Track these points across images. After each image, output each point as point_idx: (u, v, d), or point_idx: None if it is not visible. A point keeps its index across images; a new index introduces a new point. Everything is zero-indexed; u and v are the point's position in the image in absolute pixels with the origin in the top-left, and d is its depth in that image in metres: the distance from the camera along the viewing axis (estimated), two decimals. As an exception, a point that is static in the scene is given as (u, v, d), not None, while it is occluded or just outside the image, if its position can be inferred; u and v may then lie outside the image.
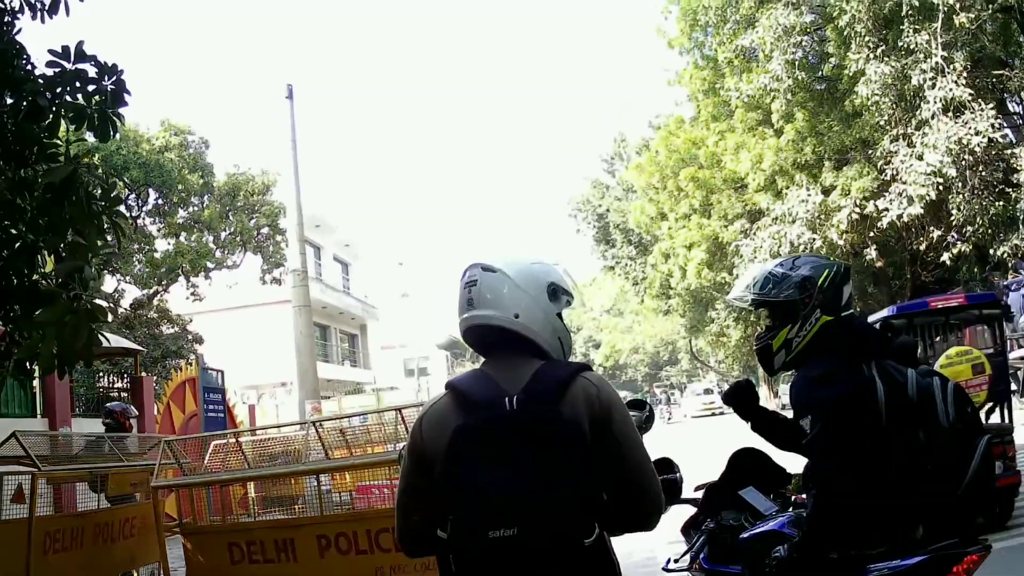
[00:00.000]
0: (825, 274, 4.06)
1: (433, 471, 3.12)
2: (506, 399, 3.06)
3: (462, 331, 3.40)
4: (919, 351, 3.51)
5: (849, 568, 3.71)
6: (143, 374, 23.29)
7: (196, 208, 33.32)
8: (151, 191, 31.58)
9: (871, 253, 29.83)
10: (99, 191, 6.51)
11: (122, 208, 9.23)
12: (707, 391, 63.59)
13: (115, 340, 20.27)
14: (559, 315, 3.44)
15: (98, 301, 6.47)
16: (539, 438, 2.96)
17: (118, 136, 27.86)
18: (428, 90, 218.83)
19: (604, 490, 3.16)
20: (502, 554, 2.92)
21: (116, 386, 23.24)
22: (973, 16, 23.58)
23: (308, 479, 9.95)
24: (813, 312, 4.06)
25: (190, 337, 33.46)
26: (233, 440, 11.19)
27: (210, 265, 33.19)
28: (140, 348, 23.53)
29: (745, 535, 4.49)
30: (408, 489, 3.36)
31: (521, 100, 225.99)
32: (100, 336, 5.97)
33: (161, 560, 10.69)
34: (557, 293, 3.42)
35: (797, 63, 27.96)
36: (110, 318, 28.31)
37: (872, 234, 28.80)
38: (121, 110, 6.47)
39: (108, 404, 15.50)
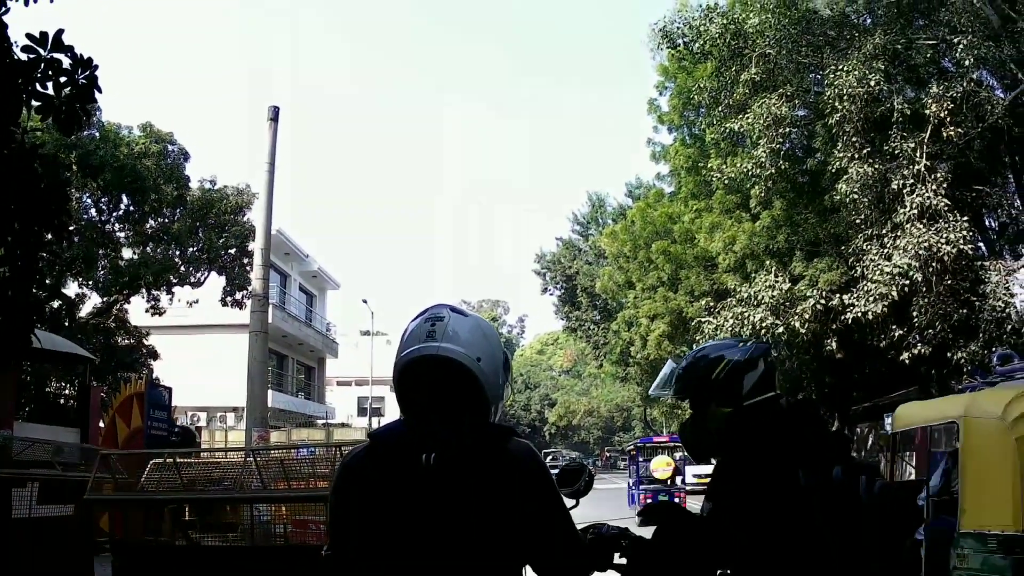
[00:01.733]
0: (722, 366, 3.96)
1: (350, 525, 3.12)
2: (423, 456, 2.99)
3: (410, 360, 3.18)
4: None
5: None
6: (93, 384, 22.84)
7: (167, 220, 33.02)
8: (124, 196, 31.32)
9: (832, 344, 30.02)
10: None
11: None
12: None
13: (67, 346, 20.04)
14: (506, 366, 3.39)
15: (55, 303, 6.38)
16: (455, 499, 2.96)
17: (96, 134, 28.17)
18: (415, 124, 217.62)
19: (523, 558, 3.14)
20: None
21: (65, 393, 22.95)
22: (962, 131, 23.96)
23: (246, 508, 9.86)
24: (708, 405, 4.00)
25: (145, 351, 33.12)
26: (171, 460, 11.00)
27: (173, 279, 32.87)
28: (92, 357, 23.00)
29: None
30: (333, 541, 3.30)
31: (504, 147, 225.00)
32: (33, 336, 5.92)
33: (87, 576, 10.54)
34: (508, 364, 3.40)
35: (782, 153, 28.23)
36: (67, 323, 28.10)
37: (835, 326, 29.01)
38: (98, 109, 6.45)
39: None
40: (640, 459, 36.40)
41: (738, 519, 3.64)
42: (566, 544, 3.21)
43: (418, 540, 2.93)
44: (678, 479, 33.76)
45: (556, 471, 4.18)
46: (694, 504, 32.04)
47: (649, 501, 29.35)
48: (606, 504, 30.14)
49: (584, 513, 4.06)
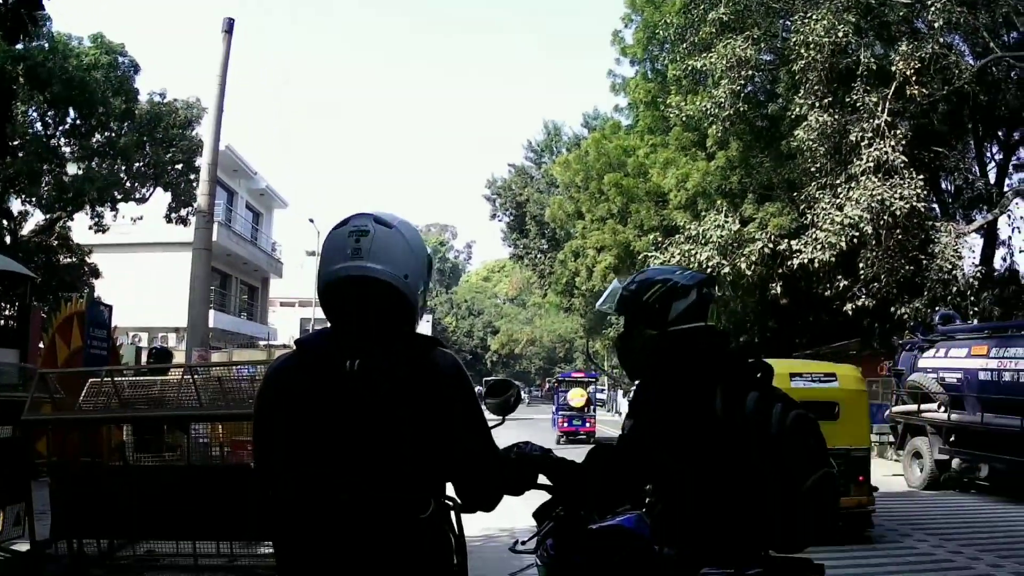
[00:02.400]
0: (654, 289, 3.95)
1: (273, 430, 3.07)
2: (348, 362, 2.96)
3: (336, 278, 3.12)
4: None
5: (684, 567, 3.65)
6: (34, 303, 22.38)
7: (113, 134, 31.80)
8: (71, 110, 30.27)
9: (777, 289, 30.17)
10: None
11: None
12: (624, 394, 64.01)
13: (9, 265, 19.55)
14: (429, 262, 3.35)
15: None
16: (377, 406, 2.92)
17: (45, 45, 27.34)
18: (375, 51, 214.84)
19: (443, 467, 3.10)
20: (333, 520, 2.90)
21: (5, 313, 22.52)
22: (926, 92, 24.10)
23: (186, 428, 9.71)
24: (636, 326, 4.01)
25: (87, 270, 32.36)
26: (109, 380, 10.72)
27: (118, 195, 31.90)
28: (33, 276, 22.20)
29: (592, 527, 4.43)
30: (256, 446, 3.26)
31: (462, 74, 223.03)
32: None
33: (26, 501, 10.33)
34: (431, 267, 3.36)
35: (743, 95, 28.13)
36: (8, 240, 27.56)
37: (781, 271, 29.13)
38: (48, 19, 6.15)
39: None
40: (561, 390, 40.18)
41: (657, 438, 3.69)
42: (484, 458, 3.21)
43: (340, 447, 2.91)
44: (589, 408, 38.66)
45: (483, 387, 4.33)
46: (603, 429, 33.20)
47: (566, 425, 37.35)
48: (541, 435, 31.43)
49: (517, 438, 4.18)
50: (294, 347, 3.19)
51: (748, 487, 3.49)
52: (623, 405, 40.09)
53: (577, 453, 4.25)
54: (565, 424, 37.46)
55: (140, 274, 40.34)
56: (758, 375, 3.78)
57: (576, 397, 38.28)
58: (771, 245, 27.96)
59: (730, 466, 3.53)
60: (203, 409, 9.47)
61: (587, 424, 37.60)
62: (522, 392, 4.54)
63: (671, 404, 3.68)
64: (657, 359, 3.92)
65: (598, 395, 51.85)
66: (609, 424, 48.74)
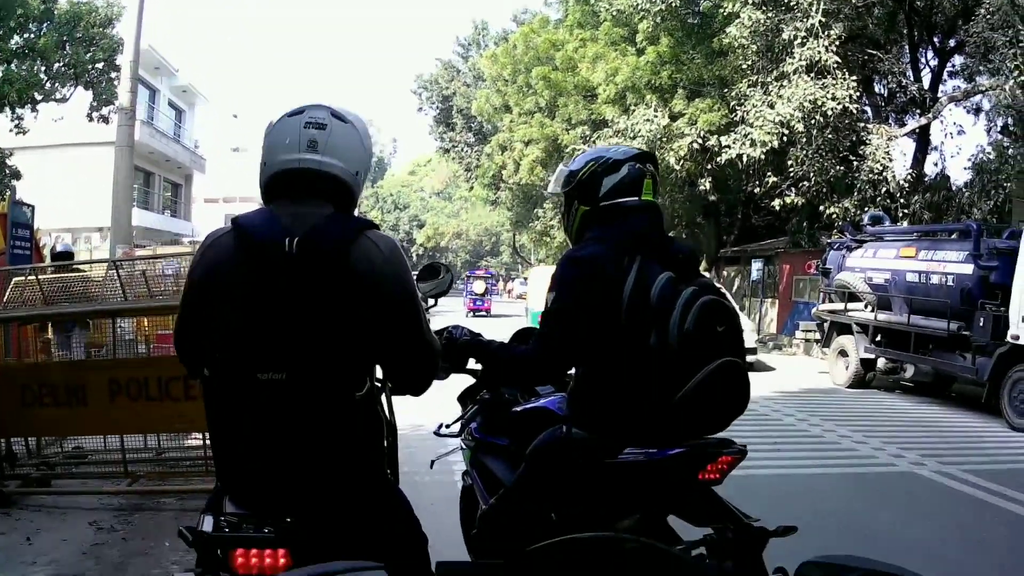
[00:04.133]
0: (588, 166, 3.94)
1: (206, 307, 3.00)
2: (287, 240, 2.90)
3: (286, 169, 3.10)
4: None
5: (606, 451, 3.65)
6: (-46, 206, 21.16)
7: (32, 35, 30.40)
8: (-11, 13, 28.95)
9: (706, 185, 30.20)
10: None
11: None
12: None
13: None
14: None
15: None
16: (314, 284, 2.88)
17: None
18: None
19: (378, 347, 3.05)
20: (268, 397, 2.84)
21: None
22: (864, -7, 23.83)
23: (109, 324, 9.45)
24: (572, 203, 4.01)
25: (8, 172, 31.49)
26: (33, 278, 10.43)
27: (38, 96, 30.70)
28: None
29: (517, 409, 4.54)
30: (183, 322, 3.20)
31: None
32: None
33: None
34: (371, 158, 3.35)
35: (675, -9, 27.62)
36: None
37: (710, 167, 29.13)
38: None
39: None
40: (469, 282, 56.97)
41: (576, 314, 3.61)
42: (418, 339, 3.19)
43: (275, 325, 2.85)
44: (487, 294, 55.25)
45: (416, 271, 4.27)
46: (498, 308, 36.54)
47: (471, 304, 53.38)
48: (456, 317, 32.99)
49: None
50: (230, 225, 3.08)
51: (653, 370, 3.47)
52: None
53: (483, 325, 4.18)
54: (471, 304, 53.70)
55: (63, 175, 39.25)
56: (680, 256, 3.74)
57: (478, 285, 55.18)
58: (700, 140, 27.97)
59: (637, 347, 3.50)
60: (128, 303, 9.21)
61: (485, 304, 53.83)
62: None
63: (589, 280, 3.61)
64: (583, 233, 3.91)
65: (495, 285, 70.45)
66: (502, 303, 65.48)
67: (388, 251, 3.06)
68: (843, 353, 19.83)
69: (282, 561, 2.76)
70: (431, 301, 4.39)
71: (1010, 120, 22.38)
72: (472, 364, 4.25)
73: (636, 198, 3.84)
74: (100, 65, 32.01)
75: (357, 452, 3.00)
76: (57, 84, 31.55)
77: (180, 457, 9.32)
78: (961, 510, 8.85)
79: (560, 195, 4.14)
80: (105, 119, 32.40)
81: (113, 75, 31.43)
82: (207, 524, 2.83)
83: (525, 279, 59.22)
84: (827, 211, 26.50)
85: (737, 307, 3.72)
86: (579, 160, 4.05)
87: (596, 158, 3.95)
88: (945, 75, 29.40)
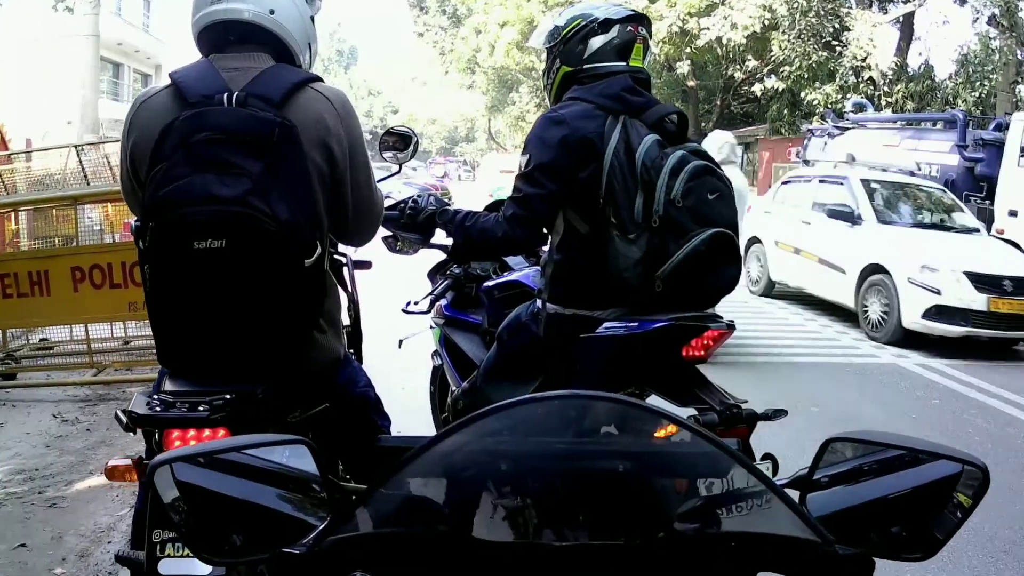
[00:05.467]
0: (574, 24, 3.64)
1: (141, 171, 2.79)
2: (226, 95, 2.69)
3: (201, 28, 2.94)
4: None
5: (583, 325, 3.47)
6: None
7: None
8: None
9: (684, 69, 29.92)
10: None
11: None
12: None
13: None
14: (312, 19, 3.15)
15: None
16: (256, 143, 2.63)
17: None
18: None
19: (328, 205, 2.90)
20: (207, 267, 2.59)
21: None
22: None
23: (75, 213, 9.23)
24: (554, 62, 3.73)
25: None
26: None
27: None
28: None
29: (488, 284, 4.39)
30: (126, 193, 3.04)
31: None
32: None
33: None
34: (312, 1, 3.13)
35: None
36: None
37: (688, 50, 28.81)
38: None
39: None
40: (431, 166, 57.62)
41: (552, 180, 3.42)
42: (366, 194, 3.06)
43: (210, 186, 2.57)
44: (446, 176, 59.45)
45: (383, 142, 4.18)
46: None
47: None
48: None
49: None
50: (168, 80, 2.85)
51: (636, 240, 3.27)
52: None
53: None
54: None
55: (30, 69, 38.60)
56: (667, 118, 3.45)
57: (438, 169, 61.88)
58: (680, 23, 27.50)
59: (619, 216, 3.30)
60: (91, 188, 8.98)
61: (443, 182, 49.18)
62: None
63: (568, 142, 3.38)
64: (562, 96, 3.66)
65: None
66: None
67: (337, 103, 2.90)
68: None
69: None
70: (395, 167, 4.22)
71: (997, 11, 22.01)
72: (442, 239, 4.08)
73: (624, 63, 3.56)
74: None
75: (304, 325, 2.80)
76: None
77: (147, 346, 9.03)
78: (947, 405, 8.80)
79: (543, 51, 3.85)
80: (70, 9, 31.67)
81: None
82: (138, 404, 2.56)
83: None
84: (808, 98, 26.27)
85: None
86: (566, 15, 3.74)
87: (584, 15, 3.63)
88: (932, -39, 28.96)
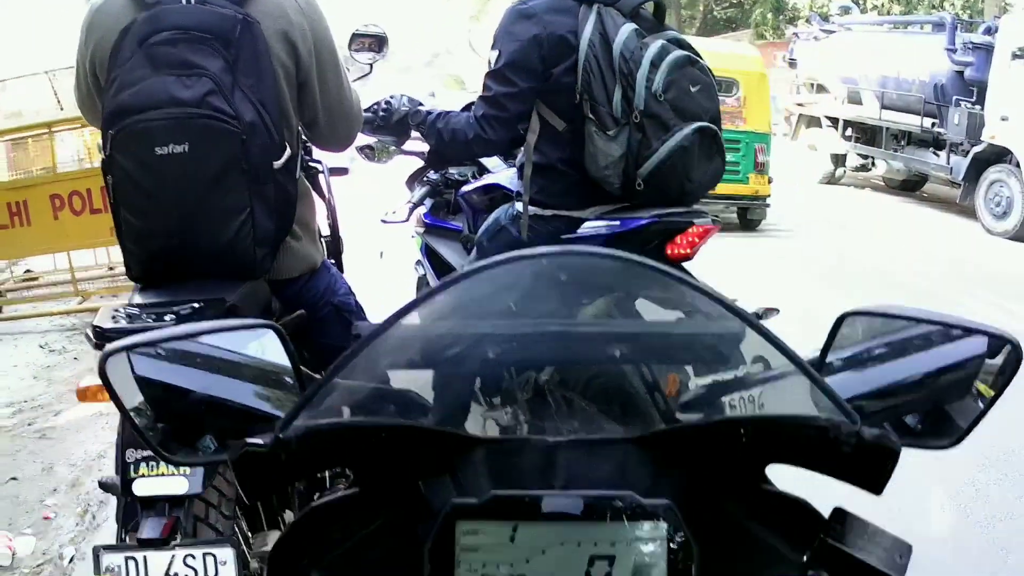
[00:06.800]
0: None
1: (101, 77, 2.68)
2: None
3: None
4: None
5: (563, 226, 3.41)
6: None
7: None
8: None
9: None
10: None
11: None
12: None
13: None
14: None
15: None
16: (218, 41, 2.55)
17: None
18: None
19: (298, 112, 2.85)
20: (170, 173, 2.53)
21: None
22: None
23: (60, 147, 9.11)
24: None
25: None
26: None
27: None
28: None
29: (467, 188, 4.26)
30: (82, 102, 2.95)
31: None
32: None
33: None
34: None
35: None
36: None
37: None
38: None
39: None
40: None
41: (522, 70, 3.28)
42: (337, 92, 2.96)
43: (170, 87, 2.48)
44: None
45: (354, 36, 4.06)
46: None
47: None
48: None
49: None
50: None
51: (616, 135, 3.16)
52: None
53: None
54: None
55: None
56: (642, 7, 3.32)
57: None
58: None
59: (597, 111, 3.18)
60: (65, 114, 8.87)
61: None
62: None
63: (538, 34, 3.24)
64: None
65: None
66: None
67: (303, 1, 2.79)
68: (812, 148, 19.49)
69: None
70: (367, 68, 4.05)
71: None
72: (419, 144, 4.03)
73: None
74: None
75: (276, 230, 2.73)
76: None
77: None
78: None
79: None
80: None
81: None
82: (103, 318, 2.46)
83: None
84: (792, 1, 26.06)
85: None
86: None
87: None
88: None
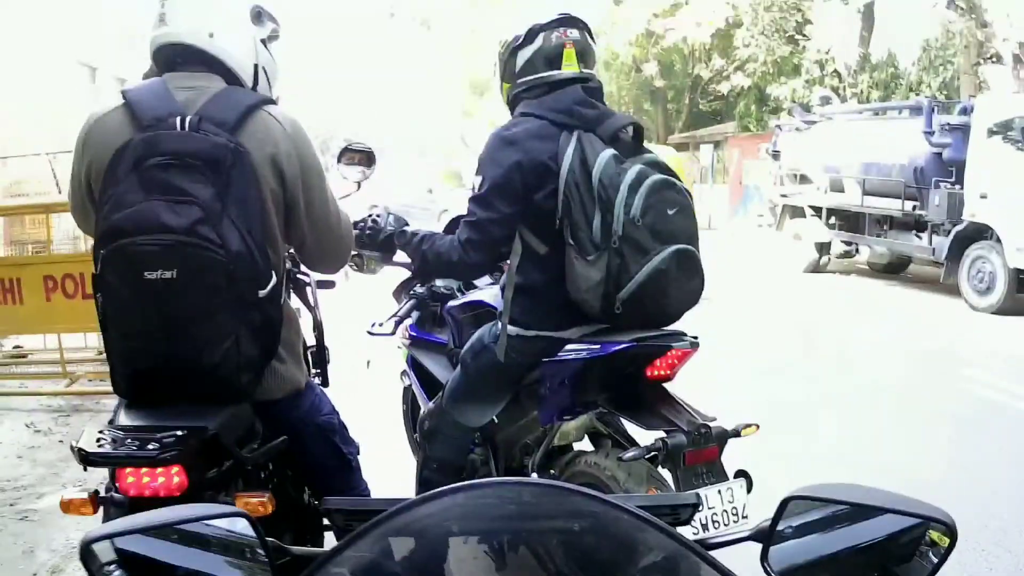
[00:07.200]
0: (504, 43, 3.62)
1: (95, 190, 2.77)
2: (179, 118, 2.67)
3: (152, 52, 2.97)
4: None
5: (545, 349, 3.47)
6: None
7: None
8: None
9: (651, 70, 30.04)
10: None
11: None
12: None
13: None
14: (265, 43, 3.11)
15: None
16: (209, 169, 2.62)
17: None
18: None
19: (284, 233, 2.92)
20: (158, 298, 2.57)
21: None
22: None
23: (56, 224, 9.23)
24: (500, 80, 3.71)
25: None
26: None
27: None
28: None
29: (453, 304, 4.34)
30: (75, 209, 3.04)
31: None
32: None
33: None
34: (261, 17, 3.08)
35: None
36: None
37: (655, 49, 28.95)
38: None
39: None
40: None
41: (505, 197, 3.35)
42: (324, 219, 3.04)
43: (162, 215, 2.54)
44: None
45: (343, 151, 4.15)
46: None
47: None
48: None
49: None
50: (121, 98, 2.83)
51: (596, 260, 3.21)
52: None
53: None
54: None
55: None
56: (622, 130, 3.40)
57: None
58: (646, 25, 27.72)
59: (578, 236, 3.25)
60: (64, 198, 8.96)
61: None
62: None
63: (521, 161, 3.32)
64: (511, 111, 3.62)
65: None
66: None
67: (289, 126, 2.88)
68: (797, 237, 19.65)
69: (176, 479, 2.48)
70: (355, 186, 4.12)
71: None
72: (405, 256, 4.02)
73: (557, 70, 3.48)
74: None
75: (260, 355, 2.78)
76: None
77: None
78: (926, 394, 8.68)
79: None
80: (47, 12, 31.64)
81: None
82: (88, 440, 2.52)
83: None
84: (774, 93, 26.45)
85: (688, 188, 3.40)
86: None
87: (516, 35, 3.57)
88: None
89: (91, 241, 2.70)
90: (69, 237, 9.94)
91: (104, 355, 8.83)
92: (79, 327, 8.57)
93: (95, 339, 9.19)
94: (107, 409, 7.66)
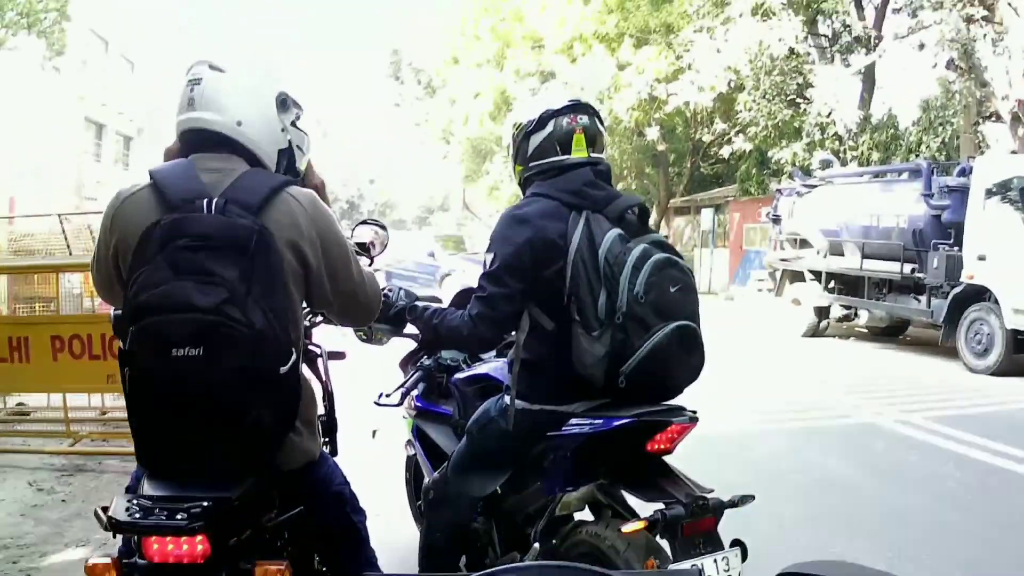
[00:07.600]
0: (516, 126, 3.79)
1: (123, 268, 2.87)
2: (205, 201, 2.77)
3: (179, 133, 3.09)
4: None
5: (549, 423, 3.54)
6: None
7: None
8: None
9: (654, 134, 30.17)
10: None
11: None
12: None
13: None
14: (295, 125, 3.26)
15: None
16: (235, 251, 2.69)
17: None
18: None
19: (310, 310, 3.05)
20: (184, 374, 2.60)
21: None
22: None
23: (62, 281, 9.28)
24: (513, 162, 3.88)
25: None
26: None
27: None
28: None
29: (459, 376, 4.45)
30: (100, 283, 3.13)
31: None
32: None
33: None
34: (287, 104, 3.20)
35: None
36: None
37: (658, 115, 29.09)
38: None
39: None
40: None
41: (515, 277, 3.48)
42: (352, 288, 3.15)
43: (190, 294, 2.60)
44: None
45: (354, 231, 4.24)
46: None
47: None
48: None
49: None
50: (149, 178, 2.94)
51: (600, 336, 3.31)
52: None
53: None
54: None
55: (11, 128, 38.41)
56: (628, 211, 3.53)
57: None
58: (648, 89, 27.83)
59: (584, 312, 3.35)
60: (73, 259, 9.04)
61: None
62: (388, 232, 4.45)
63: (531, 239, 3.45)
64: (537, 191, 3.66)
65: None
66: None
67: (308, 205, 2.97)
68: (796, 302, 19.75)
69: (200, 547, 2.55)
70: (369, 260, 4.20)
71: (954, 54, 22.30)
72: (413, 328, 4.12)
73: (567, 155, 3.64)
74: (52, 15, 31.35)
75: (280, 429, 2.85)
76: (9, 32, 30.79)
77: (124, 418, 8.68)
78: (925, 461, 8.69)
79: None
80: (57, 69, 31.98)
81: (65, 24, 30.91)
82: (118, 509, 2.59)
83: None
84: (775, 156, 26.54)
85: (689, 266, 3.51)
86: (517, 114, 3.88)
87: (528, 118, 3.74)
88: (888, 11, 29.22)
89: (99, 300, 2.77)
90: (72, 295, 9.98)
91: (106, 415, 8.93)
92: (85, 387, 8.63)
93: (99, 399, 9.33)
94: (110, 470, 7.83)
